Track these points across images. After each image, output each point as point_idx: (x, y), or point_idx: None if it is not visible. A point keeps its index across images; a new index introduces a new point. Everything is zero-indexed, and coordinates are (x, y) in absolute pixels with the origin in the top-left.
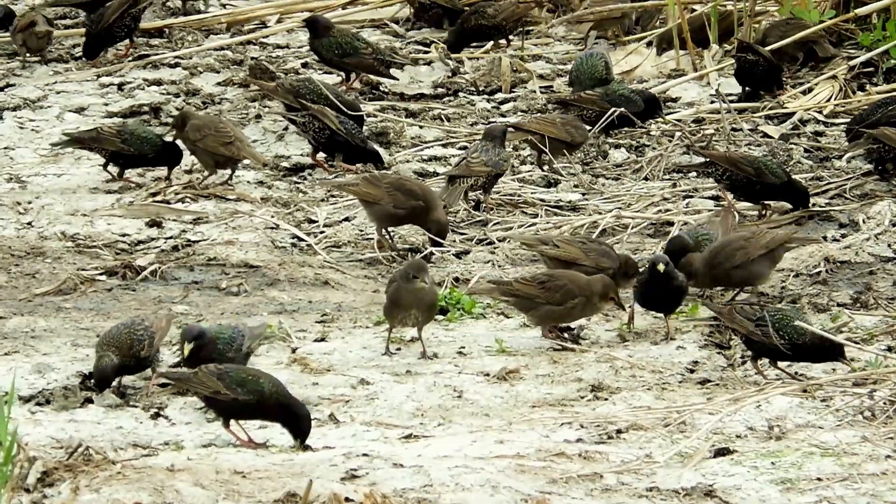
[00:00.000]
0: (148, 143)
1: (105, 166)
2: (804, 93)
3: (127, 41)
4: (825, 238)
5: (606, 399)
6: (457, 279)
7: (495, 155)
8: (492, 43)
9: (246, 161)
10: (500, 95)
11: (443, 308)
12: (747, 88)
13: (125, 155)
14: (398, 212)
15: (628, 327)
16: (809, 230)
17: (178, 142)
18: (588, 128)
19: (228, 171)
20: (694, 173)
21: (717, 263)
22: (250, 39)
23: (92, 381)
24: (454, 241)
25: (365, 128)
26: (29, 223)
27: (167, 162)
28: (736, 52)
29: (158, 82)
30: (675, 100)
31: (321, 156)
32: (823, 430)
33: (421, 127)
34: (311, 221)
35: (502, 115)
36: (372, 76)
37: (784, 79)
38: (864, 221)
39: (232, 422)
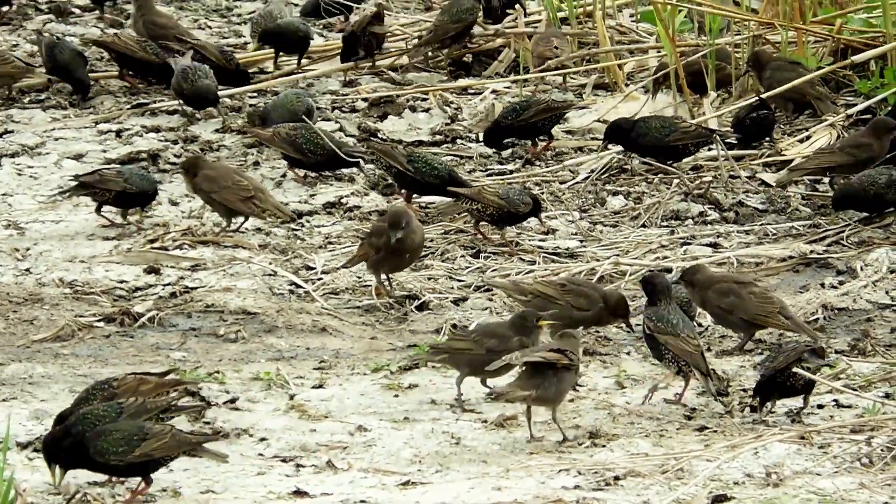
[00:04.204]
0: (147, 180)
1: (98, 210)
2: (802, 140)
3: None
4: (822, 285)
5: (604, 446)
6: (454, 325)
7: (516, 194)
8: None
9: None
10: None
11: None
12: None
13: (129, 194)
14: (378, 255)
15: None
16: (808, 277)
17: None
18: None
19: (241, 219)
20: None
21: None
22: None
23: None
24: (452, 287)
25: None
26: (27, 269)
27: None
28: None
29: (157, 129)
30: None
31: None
32: (821, 476)
33: None
34: (308, 268)
35: (500, 163)
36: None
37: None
38: (861, 268)
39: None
